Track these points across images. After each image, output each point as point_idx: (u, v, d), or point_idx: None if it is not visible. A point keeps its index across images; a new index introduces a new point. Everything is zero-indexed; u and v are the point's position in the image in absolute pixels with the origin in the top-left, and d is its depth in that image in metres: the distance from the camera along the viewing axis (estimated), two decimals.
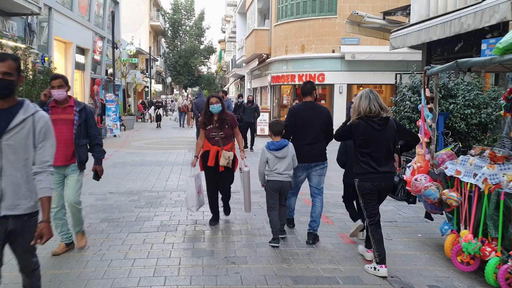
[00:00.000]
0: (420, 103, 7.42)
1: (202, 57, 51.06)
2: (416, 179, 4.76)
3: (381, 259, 4.02)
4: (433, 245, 4.90)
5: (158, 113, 23.89)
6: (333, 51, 18.32)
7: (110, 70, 22.16)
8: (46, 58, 16.44)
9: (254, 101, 14.80)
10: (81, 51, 22.09)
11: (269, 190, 4.78)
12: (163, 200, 6.82)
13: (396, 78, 8.48)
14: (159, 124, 23.11)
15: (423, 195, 4.66)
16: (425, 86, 4.98)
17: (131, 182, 8.26)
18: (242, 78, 37.52)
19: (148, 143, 15.58)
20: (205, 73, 58.86)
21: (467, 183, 4.17)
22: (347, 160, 4.93)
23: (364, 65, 17.74)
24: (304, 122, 4.92)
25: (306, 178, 5.04)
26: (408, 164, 5.21)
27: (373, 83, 18.73)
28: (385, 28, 12.38)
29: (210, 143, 5.31)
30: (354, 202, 5.04)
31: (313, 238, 4.90)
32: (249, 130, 13.48)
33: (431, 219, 5.19)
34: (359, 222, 4.92)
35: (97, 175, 4.54)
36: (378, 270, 4.02)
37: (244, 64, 32.33)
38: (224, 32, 58.54)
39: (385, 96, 19.12)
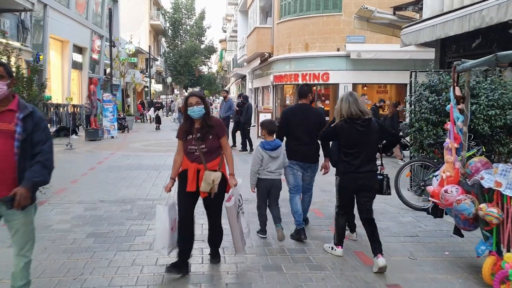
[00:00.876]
0: (439, 103, 6.92)
1: (203, 57, 50.60)
2: (446, 191, 4.15)
3: (339, 241, 4.45)
4: (465, 267, 4.28)
5: (157, 115, 23.15)
6: (338, 50, 17.66)
7: (109, 70, 21.58)
8: (41, 57, 15.90)
9: (248, 101, 14.25)
10: (79, 50, 21.54)
11: (260, 188, 4.89)
12: None
13: (411, 77, 7.82)
14: (159, 126, 22.32)
15: (455, 210, 4.04)
16: (455, 84, 4.37)
17: (124, 188, 7.65)
18: (243, 77, 36.89)
19: (146, 145, 14.98)
20: (206, 73, 58.41)
21: (511, 197, 3.56)
22: None
23: (370, 64, 17.08)
24: (299, 124, 5.07)
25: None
26: (436, 173, 4.59)
27: (379, 82, 18.15)
28: (395, 24, 11.77)
29: (189, 159, 3.91)
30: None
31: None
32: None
33: (461, 235, 4.56)
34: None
35: (13, 202, 2.72)
36: (335, 250, 4.46)
37: (245, 64, 31.69)
38: (225, 31, 57.90)
39: (390, 96, 18.49)
